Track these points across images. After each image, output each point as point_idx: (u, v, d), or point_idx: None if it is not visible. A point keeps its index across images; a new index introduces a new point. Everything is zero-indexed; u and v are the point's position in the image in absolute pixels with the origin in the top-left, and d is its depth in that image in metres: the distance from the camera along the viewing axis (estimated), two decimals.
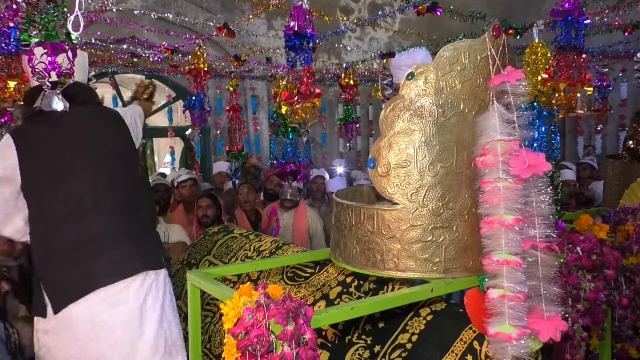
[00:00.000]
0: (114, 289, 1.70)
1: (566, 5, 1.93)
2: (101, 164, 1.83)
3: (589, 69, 2.22)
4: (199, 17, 5.38)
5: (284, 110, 1.99)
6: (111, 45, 4.49)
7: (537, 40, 1.96)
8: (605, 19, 3.41)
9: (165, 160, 8.84)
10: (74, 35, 1.83)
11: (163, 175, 5.78)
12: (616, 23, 3.50)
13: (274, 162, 3.39)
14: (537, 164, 1.25)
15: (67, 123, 1.81)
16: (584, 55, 2.00)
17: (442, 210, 1.41)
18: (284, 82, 2.05)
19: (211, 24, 4.59)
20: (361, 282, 1.81)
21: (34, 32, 1.74)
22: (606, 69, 4.83)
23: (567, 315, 1.62)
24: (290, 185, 3.67)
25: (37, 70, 1.59)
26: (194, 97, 3.49)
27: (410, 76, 1.40)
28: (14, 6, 2.02)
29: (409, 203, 1.41)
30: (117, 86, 6.49)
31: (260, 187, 5.02)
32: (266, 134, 6.71)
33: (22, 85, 2.13)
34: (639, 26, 3.42)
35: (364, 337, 1.68)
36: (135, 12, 3.78)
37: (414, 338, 1.54)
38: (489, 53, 1.40)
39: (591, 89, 2.17)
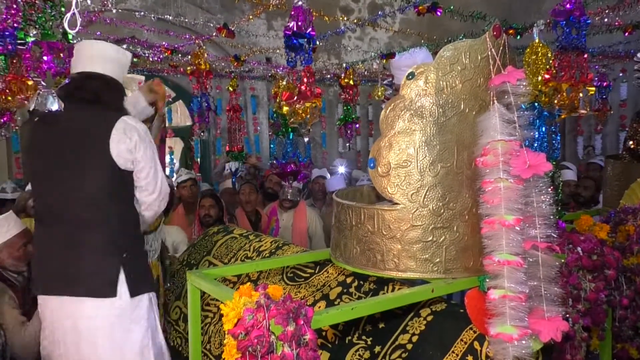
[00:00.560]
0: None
1: (567, 5, 1.93)
2: (72, 172, 1.73)
3: (589, 69, 2.22)
4: (199, 17, 5.38)
5: (285, 110, 1.99)
6: None
7: (537, 40, 1.96)
8: (606, 19, 3.41)
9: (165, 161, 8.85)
10: (70, 34, 1.82)
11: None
12: (616, 23, 3.50)
13: (274, 162, 3.39)
14: (537, 164, 1.25)
15: (61, 123, 1.80)
16: (585, 55, 2.00)
17: (442, 211, 1.41)
18: (284, 83, 2.05)
19: (211, 24, 4.59)
20: (361, 282, 1.80)
21: (33, 33, 1.74)
22: (605, 69, 4.83)
23: (567, 316, 1.62)
24: (291, 186, 3.68)
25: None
26: (199, 98, 3.50)
27: (411, 76, 1.40)
28: (14, 6, 2.02)
29: (409, 203, 1.41)
30: None
31: (260, 186, 5.01)
32: (266, 134, 6.71)
33: (23, 85, 2.13)
34: (639, 26, 3.42)
35: (364, 337, 1.67)
36: (135, 13, 3.78)
37: (415, 338, 1.54)
38: (489, 53, 1.40)
39: (593, 88, 2.17)
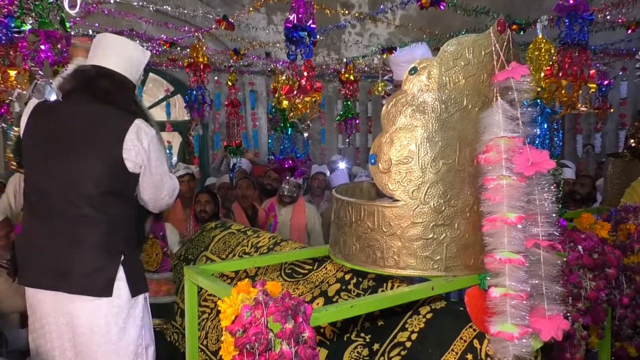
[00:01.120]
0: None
1: (571, 1, 1.90)
2: (75, 168, 1.70)
3: (591, 67, 2.21)
4: (198, 10, 5.33)
5: (284, 105, 1.96)
6: None
7: (540, 36, 1.94)
8: (609, 17, 3.39)
9: None
10: (67, 23, 1.79)
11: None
12: (619, 20, 3.48)
13: (272, 157, 3.37)
14: (540, 162, 1.23)
15: (59, 114, 1.77)
16: (587, 52, 1.98)
17: (443, 208, 1.39)
18: (284, 77, 2.02)
19: (210, 17, 4.55)
20: (360, 279, 1.79)
21: (30, 22, 1.71)
22: (605, 67, 4.82)
23: (567, 314, 1.61)
24: (289, 181, 3.66)
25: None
26: (194, 92, 3.47)
27: (413, 71, 1.38)
28: None
29: (410, 200, 1.39)
30: None
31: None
32: (264, 130, 6.68)
33: (22, 74, 2.10)
34: None
35: (362, 334, 1.66)
36: (134, 4, 3.74)
37: (414, 336, 1.53)
38: (493, 48, 1.38)
39: (594, 85, 2.15)
